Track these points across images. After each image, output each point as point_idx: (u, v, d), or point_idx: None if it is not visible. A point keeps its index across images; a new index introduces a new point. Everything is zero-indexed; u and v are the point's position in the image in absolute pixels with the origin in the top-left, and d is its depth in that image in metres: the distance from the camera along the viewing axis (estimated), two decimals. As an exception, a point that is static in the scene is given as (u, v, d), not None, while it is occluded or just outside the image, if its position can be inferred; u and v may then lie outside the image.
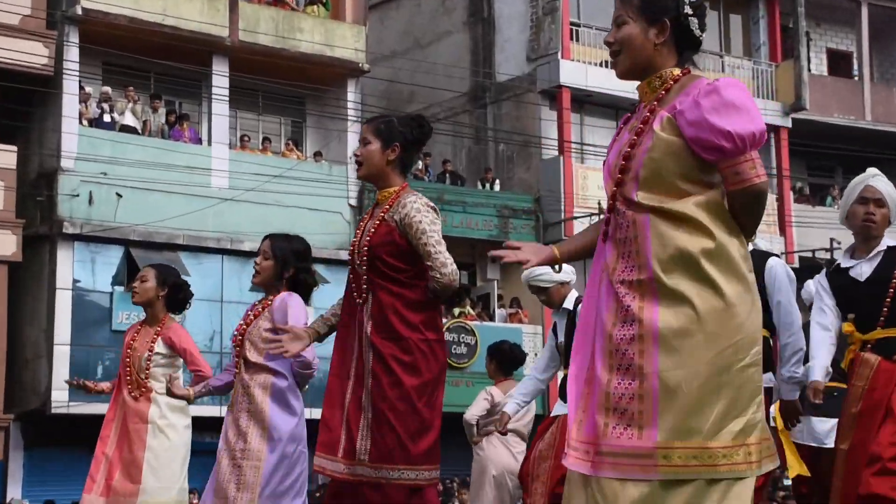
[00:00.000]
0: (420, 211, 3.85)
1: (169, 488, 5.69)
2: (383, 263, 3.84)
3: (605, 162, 2.79)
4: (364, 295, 3.89)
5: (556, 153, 22.34)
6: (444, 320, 19.42)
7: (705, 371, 2.55)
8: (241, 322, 4.73)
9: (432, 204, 3.93)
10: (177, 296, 5.80)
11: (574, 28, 22.47)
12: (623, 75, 2.77)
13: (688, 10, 2.74)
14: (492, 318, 21.76)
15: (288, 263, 4.69)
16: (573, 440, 2.67)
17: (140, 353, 5.74)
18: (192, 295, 5.90)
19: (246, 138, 19.98)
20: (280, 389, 4.59)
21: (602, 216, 2.81)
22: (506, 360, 7.34)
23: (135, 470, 5.64)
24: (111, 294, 17.87)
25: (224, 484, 4.55)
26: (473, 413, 7.22)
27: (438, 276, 3.78)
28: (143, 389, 5.71)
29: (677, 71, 2.74)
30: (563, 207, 21.69)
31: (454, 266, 3.83)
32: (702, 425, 2.52)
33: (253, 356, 4.62)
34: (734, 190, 2.63)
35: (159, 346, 5.75)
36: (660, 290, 2.60)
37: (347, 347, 3.93)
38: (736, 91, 2.60)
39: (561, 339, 5.60)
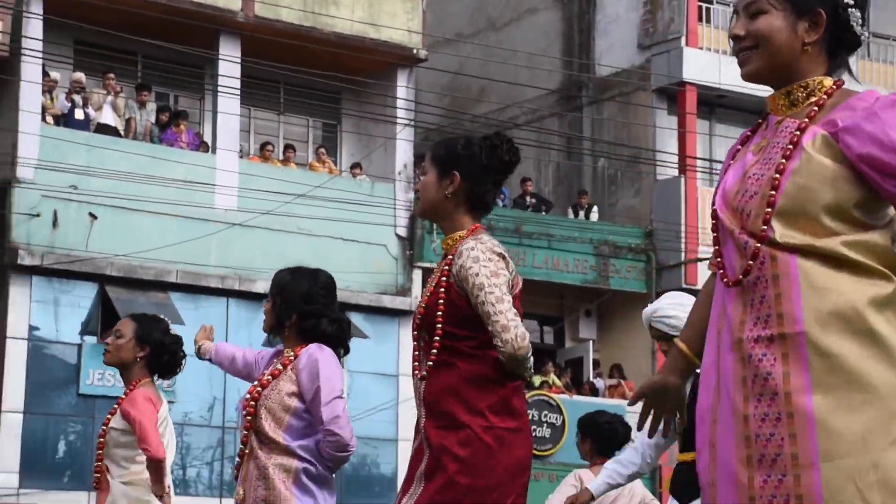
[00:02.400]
0: (478, 260, 3.92)
1: None
2: (441, 333, 3.96)
3: (718, 188, 2.87)
4: (422, 373, 4.02)
5: (676, 172, 22.32)
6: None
7: (886, 462, 2.58)
8: (256, 384, 4.83)
9: (499, 248, 3.98)
10: (160, 358, 5.93)
11: (703, 5, 22.55)
12: (752, 77, 2.83)
13: None
14: (593, 391, 21.67)
15: (288, 307, 4.79)
16: None
17: (103, 432, 5.95)
18: (184, 356, 6.01)
19: (269, 147, 20.12)
20: (307, 476, 4.71)
21: (714, 255, 2.85)
22: (604, 437, 7.37)
23: None
24: (79, 346, 17.92)
25: None
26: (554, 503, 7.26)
27: (499, 344, 3.84)
28: (105, 479, 5.86)
29: (829, 81, 2.81)
30: (683, 245, 21.83)
31: (520, 330, 3.87)
32: None
33: (270, 429, 4.70)
34: None
35: (116, 420, 5.84)
36: (811, 350, 2.64)
37: (416, 444, 4.05)
38: None
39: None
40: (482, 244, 3.96)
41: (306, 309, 4.79)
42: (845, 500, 2.56)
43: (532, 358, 3.92)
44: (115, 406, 5.88)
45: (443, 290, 3.99)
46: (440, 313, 3.97)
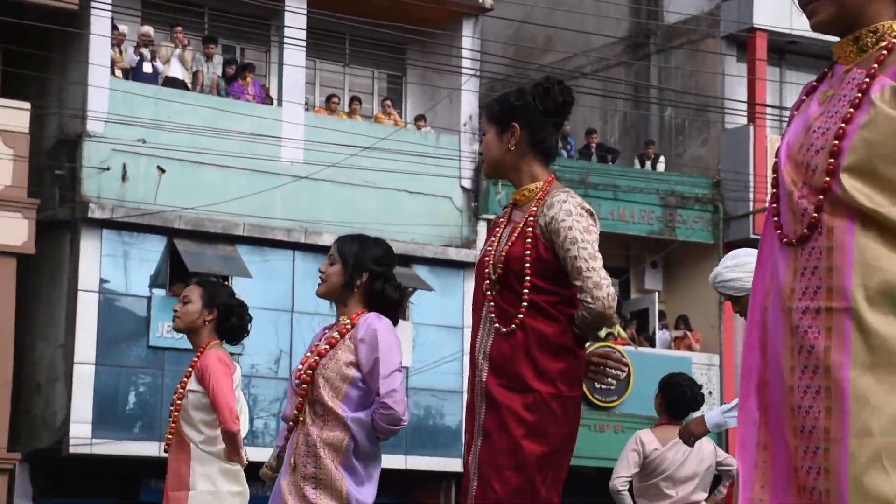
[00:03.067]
0: (571, 213, 3.92)
1: None
2: (522, 284, 3.93)
3: (783, 142, 2.75)
4: (489, 325, 4.00)
5: (745, 121, 22.31)
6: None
7: None
8: (309, 354, 4.82)
9: (588, 206, 3.99)
10: (227, 321, 6.04)
11: (772, -50, 22.42)
12: (821, 27, 2.72)
13: None
14: (651, 343, 21.83)
15: (360, 267, 4.81)
16: None
17: (180, 394, 6.00)
18: (250, 320, 6.15)
19: (335, 100, 20.25)
20: (356, 454, 4.73)
21: (770, 212, 2.75)
22: (678, 400, 7.41)
23: None
24: (149, 299, 18.28)
25: None
26: (622, 475, 7.19)
27: (589, 300, 3.86)
28: (181, 442, 5.93)
29: None
30: (751, 195, 21.83)
31: (611, 290, 3.91)
32: None
33: (328, 398, 4.70)
34: None
35: (192, 383, 5.94)
36: (854, 327, 2.56)
37: (471, 391, 4.06)
38: None
39: None
40: (573, 198, 3.98)
41: (377, 270, 4.82)
42: (870, 478, 2.51)
43: None
44: (189, 370, 5.95)
45: (529, 241, 3.96)
46: (528, 265, 3.94)
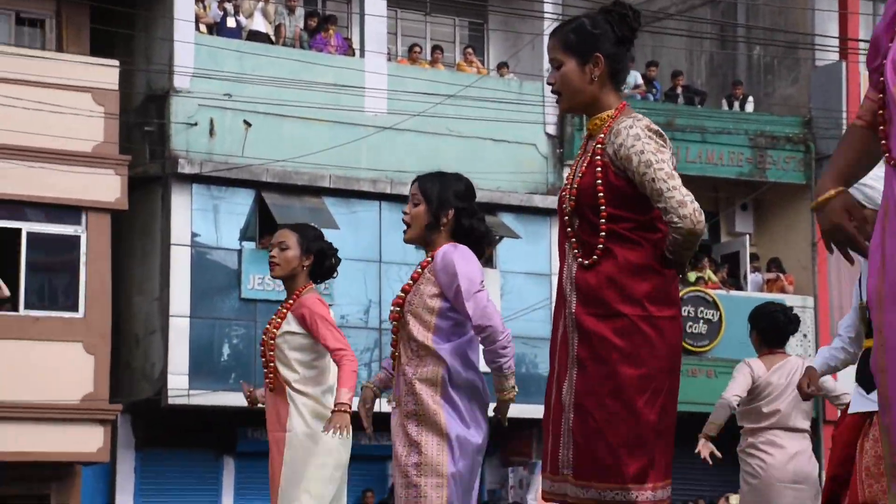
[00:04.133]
0: (640, 138, 3.92)
1: None
2: (597, 213, 3.95)
3: (888, 60, 2.74)
4: (572, 259, 4.03)
5: (836, 58, 22.33)
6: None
7: None
8: (400, 292, 4.89)
9: (656, 127, 3.99)
10: (322, 264, 6.13)
11: None
12: None
13: None
14: (742, 286, 21.99)
15: (445, 204, 4.84)
16: None
17: (272, 335, 6.06)
18: (339, 261, 6.23)
19: (417, 49, 20.54)
20: (453, 385, 4.78)
21: (879, 136, 2.77)
22: (773, 327, 7.52)
23: (273, 490, 6.01)
24: (239, 252, 18.87)
25: None
26: (736, 393, 7.32)
27: (676, 220, 3.84)
28: (279, 385, 6.02)
29: None
30: (843, 133, 21.53)
31: (696, 205, 3.88)
32: None
33: (419, 333, 4.78)
34: None
35: (289, 324, 6.02)
36: None
37: (557, 329, 4.10)
38: None
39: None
40: (640, 122, 3.96)
41: (462, 206, 4.85)
42: None
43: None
44: (284, 311, 6.01)
45: (599, 169, 3.96)
46: (601, 194, 3.94)
